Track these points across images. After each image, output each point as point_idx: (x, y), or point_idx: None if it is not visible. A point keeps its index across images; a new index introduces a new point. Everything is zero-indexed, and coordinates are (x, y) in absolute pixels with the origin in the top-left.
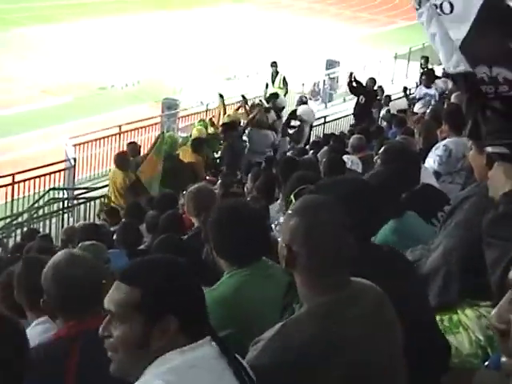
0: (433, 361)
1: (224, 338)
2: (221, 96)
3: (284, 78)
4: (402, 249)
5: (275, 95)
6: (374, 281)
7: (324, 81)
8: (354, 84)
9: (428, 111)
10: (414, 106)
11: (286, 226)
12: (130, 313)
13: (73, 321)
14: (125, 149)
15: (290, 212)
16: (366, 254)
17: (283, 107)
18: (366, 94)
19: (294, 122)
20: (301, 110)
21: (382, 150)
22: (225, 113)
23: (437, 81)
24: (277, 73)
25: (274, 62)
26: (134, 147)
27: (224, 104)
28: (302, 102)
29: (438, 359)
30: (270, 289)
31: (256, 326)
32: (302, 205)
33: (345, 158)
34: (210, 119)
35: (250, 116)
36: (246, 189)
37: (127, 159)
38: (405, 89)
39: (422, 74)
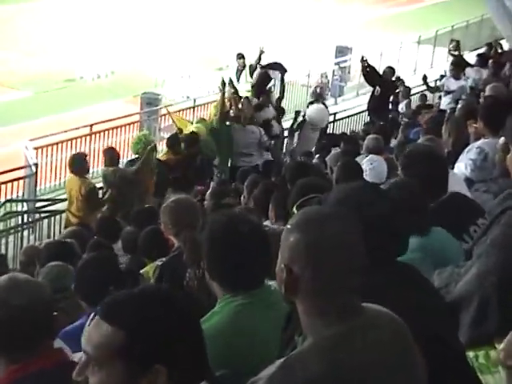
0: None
1: (220, 379)
2: (223, 84)
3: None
4: (426, 266)
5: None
6: (387, 292)
7: (333, 71)
8: (368, 70)
9: (458, 107)
10: (440, 100)
11: (284, 243)
12: (110, 358)
13: (14, 365)
14: (95, 152)
15: (289, 227)
16: (379, 264)
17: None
18: (383, 84)
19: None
20: (309, 111)
21: (402, 154)
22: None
23: (467, 70)
24: (244, 66)
25: (240, 54)
26: (112, 155)
27: (224, 94)
28: (317, 94)
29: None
30: (272, 320)
31: (257, 364)
32: (303, 217)
33: (368, 158)
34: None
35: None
36: (242, 199)
37: (84, 162)
38: (424, 78)
39: (452, 63)
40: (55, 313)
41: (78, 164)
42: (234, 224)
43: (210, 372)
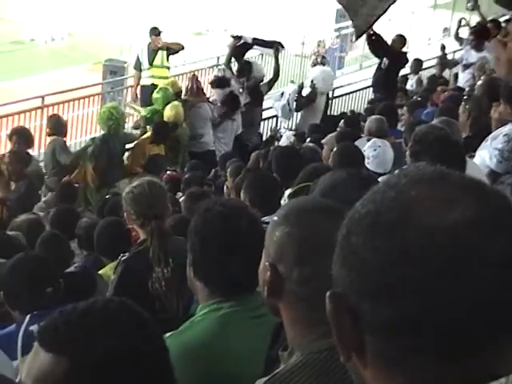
0: None
1: None
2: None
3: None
4: None
5: (247, 64)
6: None
7: (333, 39)
8: (374, 38)
9: (479, 83)
10: (455, 76)
11: (270, 237)
12: None
13: None
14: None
15: (276, 219)
16: None
17: (262, 78)
18: (391, 56)
19: (305, 91)
20: (313, 72)
21: (412, 138)
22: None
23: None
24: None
25: (156, 29)
26: (57, 122)
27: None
28: (319, 64)
29: None
30: (259, 336)
31: None
32: (292, 209)
33: (370, 143)
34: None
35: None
36: (225, 188)
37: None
38: (443, 47)
39: (471, 31)
40: None
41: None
42: (233, 216)
43: None
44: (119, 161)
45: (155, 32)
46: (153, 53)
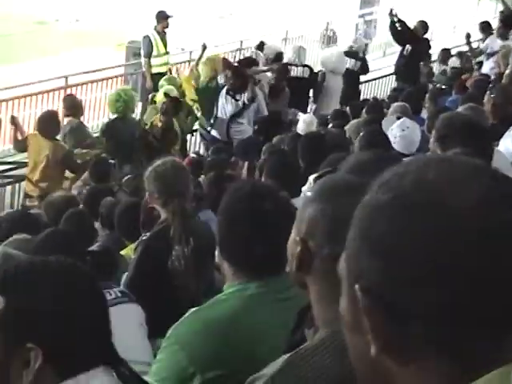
0: None
1: (210, 381)
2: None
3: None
4: None
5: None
6: None
7: (357, 25)
8: (398, 25)
9: (507, 72)
10: (479, 65)
11: (302, 213)
12: None
13: None
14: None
15: (309, 194)
16: None
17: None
18: (414, 42)
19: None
20: (324, 53)
21: (438, 123)
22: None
23: None
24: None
25: (163, 12)
26: (72, 102)
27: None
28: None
29: None
30: (285, 318)
31: (260, 368)
32: (326, 186)
33: (400, 122)
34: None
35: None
36: (244, 171)
37: (58, 121)
38: (468, 36)
39: (502, 18)
40: None
41: (48, 123)
42: (260, 196)
43: (112, 355)
44: (129, 145)
45: (163, 15)
46: (163, 39)
